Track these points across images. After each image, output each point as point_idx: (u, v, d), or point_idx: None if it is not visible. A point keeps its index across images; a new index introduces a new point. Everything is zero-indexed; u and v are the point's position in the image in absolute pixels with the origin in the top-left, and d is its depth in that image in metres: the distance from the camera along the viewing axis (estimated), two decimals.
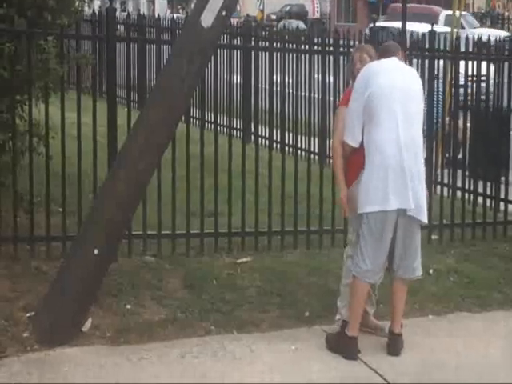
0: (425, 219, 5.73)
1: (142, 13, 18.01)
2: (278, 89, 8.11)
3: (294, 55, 8.40)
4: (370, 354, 5.73)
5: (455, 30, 11.26)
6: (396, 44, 6.27)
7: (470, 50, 8.83)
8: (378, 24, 11.54)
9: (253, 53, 8.94)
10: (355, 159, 5.74)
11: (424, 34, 8.65)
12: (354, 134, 5.71)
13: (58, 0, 7.23)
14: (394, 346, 5.80)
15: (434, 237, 8.25)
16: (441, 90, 9.56)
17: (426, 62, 8.43)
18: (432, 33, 8.60)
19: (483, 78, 8.77)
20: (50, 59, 6.85)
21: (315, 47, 8.75)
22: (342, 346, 5.72)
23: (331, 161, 6.19)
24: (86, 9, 10.03)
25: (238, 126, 11.20)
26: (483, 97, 9.25)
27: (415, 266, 5.81)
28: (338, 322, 5.97)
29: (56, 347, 5.61)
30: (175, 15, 36.40)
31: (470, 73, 8.84)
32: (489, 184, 8.98)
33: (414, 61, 8.34)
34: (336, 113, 6.18)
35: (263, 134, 9.21)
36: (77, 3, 8.02)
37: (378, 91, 5.59)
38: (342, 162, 5.84)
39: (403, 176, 5.54)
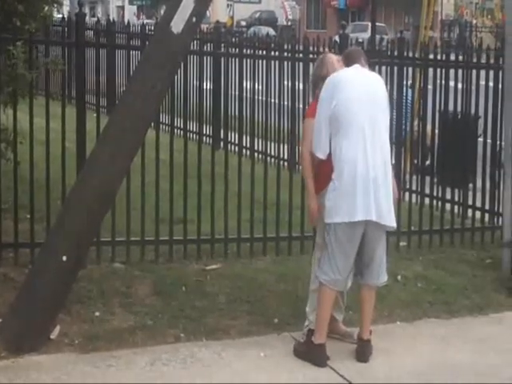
0: (393, 224, 5.74)
1: (111, 18, 17.94)
2: (248, 95, 8.12)
3: (264, 62, 8.42)
4: (338, 361, 5.75)
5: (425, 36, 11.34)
6: (358, 49, 6.30)
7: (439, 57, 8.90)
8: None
9: (222, 59, 8.94)
10: (323, 169, 5.76)
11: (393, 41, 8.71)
12: (321, 145, 5.72)
13: (26, 5, 7.20)
14: (362, 352, 5.82)
15: (402, 243, 8.30)
16: (409, 97, 9.62)
17: (395, 69, 8.48)
18: (401, 39, 8.66)
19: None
20: (18, 64, 6.81)
21: (285, 54, 8.77)
22: (311, 354, 5.72)
23: (300, 167, 6.20)
24: (55, 14, 9.99)
25: (208, 133, 11.21)
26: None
27: (380, 272, 5.84)
28: (306, 329, 5.97)
29: (24, 355, 5.57)
30: (144, 21, 36.31)
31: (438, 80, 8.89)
32: (456, 191, 9.04)
33: (383, 68, 8.39)
34: (304, 124, 6.18)
35: (233, 141, 9.21)
36: (46, 8, 7.97)
37: (343, 103, 5.60)
38: (312, 173, 5.86)
39: (370, 187, 5.56)
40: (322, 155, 5.74)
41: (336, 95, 5.63)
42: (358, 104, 5.62)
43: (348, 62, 5.92)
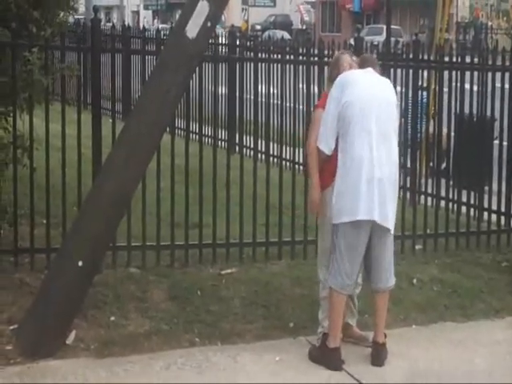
0: (391, 226, 5.72)
1: (126, 24, 18.01)
2: (263, 99, 8.12)
3: (279, 66, 8.42)
4: (353, 365, 5.74)
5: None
6: (374, 58, 6.33)
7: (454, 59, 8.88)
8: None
9: (238, 63, 8.95)
10: (328, 167, 5.76)
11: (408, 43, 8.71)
12: (328, 141, 5.74)
13: (42, 11, 7.23)
14: (377, 356, 5.82)
15: (417, 247, 8.28)
16: (424, 99, 9.60)
17: (410, 71, 8.48)
18: (416, 42, 8.65)
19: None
20: (34, 70, 6.84)
21: (300, 57, 8.77)
22: (326, 358, 5.72)
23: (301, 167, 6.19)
24: (71, 19, 10.03)
25: (223, 137, 11.22)
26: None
27: (389, 275, 5.83)
28: (320, 335, 5.97)
29: (40, 360, 5.59)
30: (160, 26, 36.41)
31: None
32: (472, 193, 9.01)
33: (398, 70, 8.38)
34: (313, 114, 6.20)
35: (248, 145, 9.22)
36: (61, 14, 8.01)
37: (353, 102, 5.62)
38: (318, 164, 5.86)
39: (374, 189, 5.57)
40: (327, 150, 5.75)
41: (345, 94, 5.65)
42: (366, 105, 5.63)
43: (362, 64, 5.96)
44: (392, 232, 5.78)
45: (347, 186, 5.61)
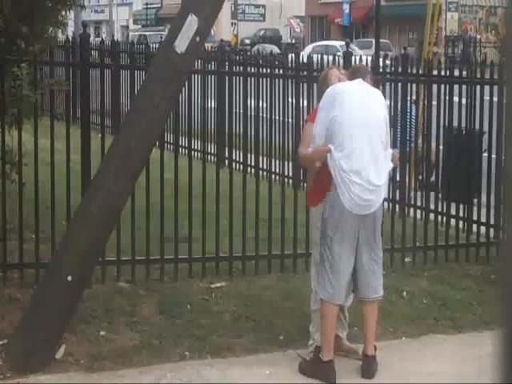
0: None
1: (115, 39, 18.02)
2: (252, 113, 8.15)
3: (268, 80, 8.45)
4: (344, 377, 5.74)
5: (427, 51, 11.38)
6: (366, 67, 6.32)
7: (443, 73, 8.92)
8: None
9: (227, 77, 8.98)
10: (321, 178, 5.77)
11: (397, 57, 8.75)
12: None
13: (31, 27, 7.24)
14: (367, 368, 5.82)
15: (407, 259, 8.29)
16: (413, 112, 9.64)
17: (399, 85, 8.52)
18: (405, 56, 8.70)
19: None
20: (23, 86, 6.85)
21: (289, 71, 8.81)
22: (320, 371, 5.71)
23: (305, 185, 6.22)
24: (60, 35, 10.04)
25: (212, 151, 11.23)
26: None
27: (377, 285, 5.84)
28: (311, 348, 5.97)
29: (29, 375, 5.58)
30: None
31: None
32: (461, 206, 9.04)
33: (387, 84, 8.41)
34: (304, 128, 6.22)
35: (237, 159, 9.22)
36: (50, 30, 8.02)
37: (340, 115, 5.60)
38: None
39: (364, 203, 5.58)
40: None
41: (334, 107, 5.64)
42: (355, 117, 5.60)
43: (352, 76, 5.96)
44: (379, 242, 5.81)
45: (337, 199, 5.60)
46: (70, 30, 20.24)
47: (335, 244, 5.65)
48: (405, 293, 7.42)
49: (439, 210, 8.90)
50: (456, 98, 8.77)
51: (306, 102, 8.36)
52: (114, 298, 6.90)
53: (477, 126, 9.11)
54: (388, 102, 8.09)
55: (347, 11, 57.11)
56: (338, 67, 6.41)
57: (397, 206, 8.81)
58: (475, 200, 9.36)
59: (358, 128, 5.61)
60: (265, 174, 9.21)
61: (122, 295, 6.99)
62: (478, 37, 46.78)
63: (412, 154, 9.45)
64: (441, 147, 9.24)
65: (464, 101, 8.90)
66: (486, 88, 8.79)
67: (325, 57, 9.00)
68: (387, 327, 6.63)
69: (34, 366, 5.64)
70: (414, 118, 9.82)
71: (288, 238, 7.88)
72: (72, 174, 7.28)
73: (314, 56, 9.14)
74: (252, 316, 6.76)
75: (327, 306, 5.71)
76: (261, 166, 8.70)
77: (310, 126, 5.97)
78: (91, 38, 8.67)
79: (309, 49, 25.44)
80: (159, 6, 71.19)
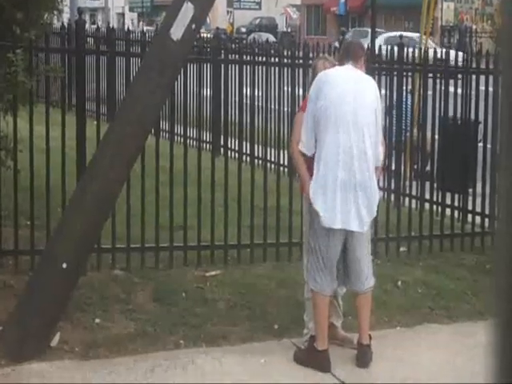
0: (365, 228, 5.70)
1: (111, 26, 17.97)
2: (248, 102, 8.13)
3: (264, 68, 8.43)
4: (339, 367, 5.74)
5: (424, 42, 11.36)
6: (358, 44, 6.17)
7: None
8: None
9: (222, 66, 8.96)
10: (311, 167, 5.76)
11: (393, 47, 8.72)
12: (307, 142, 5.71)
13: (26, 12, 7.21)
14: (362, 357, 5.82)
15: (402, 249, 8.30)
16: (409, 102, 9.63)
17: (395, 74, 8.50)
18: (401, 45, 8.68)
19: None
20: (18, 72, 6.82)
21: (285, 60, 8.79)
22: (314, 360, 5.70)
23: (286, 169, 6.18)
24: (55, 21, 10.01)
25: (208, 139, 11.21)
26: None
27: (368, 275, 5.81)
28: (305, 337, 5.97)
29: (24, 362, 5.56)
30: (145, 28, 36.38)
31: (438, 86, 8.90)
32: (456, 196, 9.04)
33: (383, 74, 8.39)
34: (295, 118, 6.21)
35: (233, 147, 9.20)
36: (46, 16, 7.99)
37: (326, 103, 5.55)
38: (303, 162, 5.84)
39: (350, 194, 5.55)
40: (307, 151, 5.73)
41: (321, 95, 5.59)
42: (342, 105, 5.55)
43: (343, 58, 5.87)
44: (367, 231, 5.77)
45: (323, 189, 5.57)
46: (66, 16, 20.17)
47: (323, 235, 5.64)
48: (400, 282, 7.43)
49: (434, 199, 8.90)
50: (452, 88, 8.76)
51: (301, 91, 8.35)
52: (108, 286, 6.89)
53: (472, 116, 9.10)
54: (383, 92, 8.08)
55: (343, 0, 56.99)
56: (325, 57, 6.37)
57: (392, 196, 8.82)
58: (470, 190, 9.37)
59: (345, 115, 5.53)
60: (260, 162, 9.19)
61: (117, 283, 6.98)
62: (474, 27, 46.76)
63: (407, 143, 9.46)
64: (436, 137, 9.24)
65: (460, 91, 8.89)
66: (482, 78, 8.79)
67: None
68: (382, 317, 6.64)
69: (28, 354, 5.63)
70: (409, 107, 9.81)
71: (283, 227, 7.87)
72: (67, 161, 7.25)
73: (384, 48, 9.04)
74: (247, 304, 6.76)
75: (318, 296, 5.71)
76: (256, 155, 8.69)
77: (300, 116, 5.96)
78: (87, 26, 8.62)
79: (381, 39, 24.42)
80: None
